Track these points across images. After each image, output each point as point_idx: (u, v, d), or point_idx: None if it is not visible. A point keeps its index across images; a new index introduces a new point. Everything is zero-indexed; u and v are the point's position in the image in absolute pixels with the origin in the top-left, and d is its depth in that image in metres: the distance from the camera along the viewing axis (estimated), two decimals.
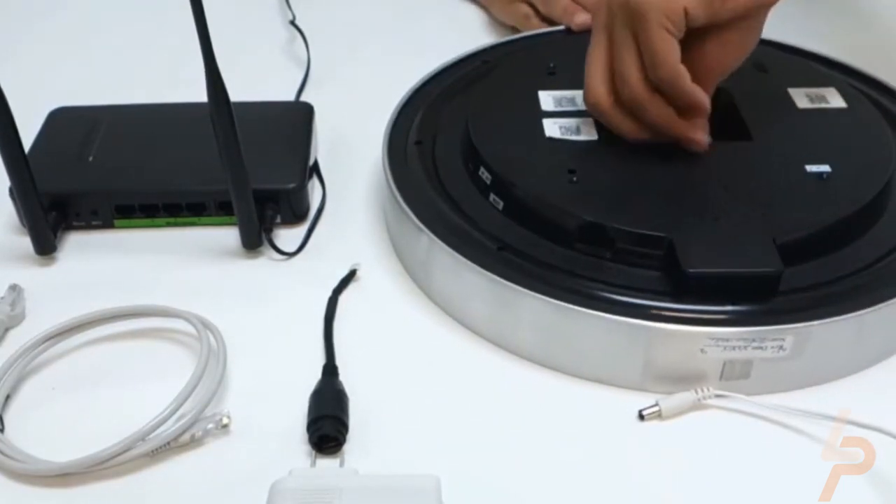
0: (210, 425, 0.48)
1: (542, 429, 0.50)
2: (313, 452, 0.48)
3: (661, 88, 0.55)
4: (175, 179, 0.62)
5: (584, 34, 0.73)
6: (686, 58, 0.54)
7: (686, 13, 0.53)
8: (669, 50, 0.53)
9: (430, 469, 0.44)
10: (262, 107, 0.68)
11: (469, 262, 0.53)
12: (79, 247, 0.61)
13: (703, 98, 0.56)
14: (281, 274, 0.59)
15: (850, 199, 0.54)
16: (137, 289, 0.57)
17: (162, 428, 0.47)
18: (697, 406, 0.50)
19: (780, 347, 0.49)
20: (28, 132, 0.62)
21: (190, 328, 0.52)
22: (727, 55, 0.56)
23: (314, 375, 0.51)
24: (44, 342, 0.53)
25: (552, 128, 0.60)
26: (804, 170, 0.56)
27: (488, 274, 0.52)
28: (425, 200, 0.57)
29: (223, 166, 0.56)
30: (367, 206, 0.64)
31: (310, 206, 0.64)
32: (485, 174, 0.57)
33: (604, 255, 0.53)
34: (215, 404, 0.49)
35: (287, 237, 0.62)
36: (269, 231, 0.60)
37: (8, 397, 0.50)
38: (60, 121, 0.67)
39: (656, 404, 0.50)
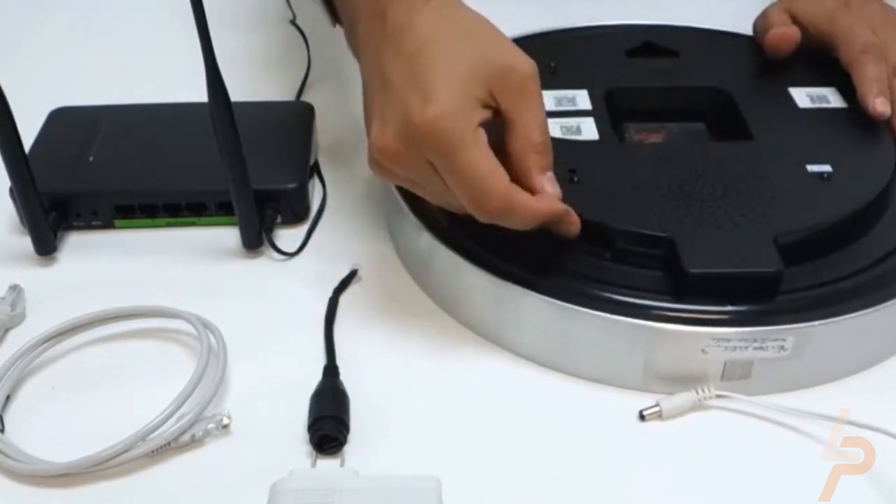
0: (210, 425, 0.48)
1: (543, 429, 0.49)
2: (314, 453, 0.48)
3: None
4: (175, 179, 0.62)
5: (585, 34, 0.73)
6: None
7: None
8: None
9: (430, 470, 0.44)
10: (262, 107, 0.68)
11: (469, 263, 0.53)
12: (79, 247, 0.61)
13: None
14: (281, 274, 0.59)
15: (852, 199, 0.54)
16: (137, 289, 0.57)
17: (162, 428, 0.47)
18: (698, 406, 0.50)
19: (781, 348, 0.49)
20: (28, 132, 0.62)
21: (190, 328, 0.52)
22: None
23: (315, 376, 0.51)
24: (44, 342, 0.53)
25: (553, 127, 0.59)
26: (805, 169, 0.56)
27: (488, 274, 0.52)
28: (425, 200, 0.57)
29: (223, 166, 0.56)
30: (367, 206, 0.64)
31: (310, 206, 0.64)
32: None
33: (604, 254, 0.53)
34: (215, 404, 0.49)
35: (287, 237, 0.62)
36: (269, 231, 0.60)
37: (8, 397, 0.50)
38: (60, 121, 0.67)
39: (657, 404, 0.49)
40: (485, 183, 0.47)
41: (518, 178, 0.49)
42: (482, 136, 0.48)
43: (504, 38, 0.50)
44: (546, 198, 0.49)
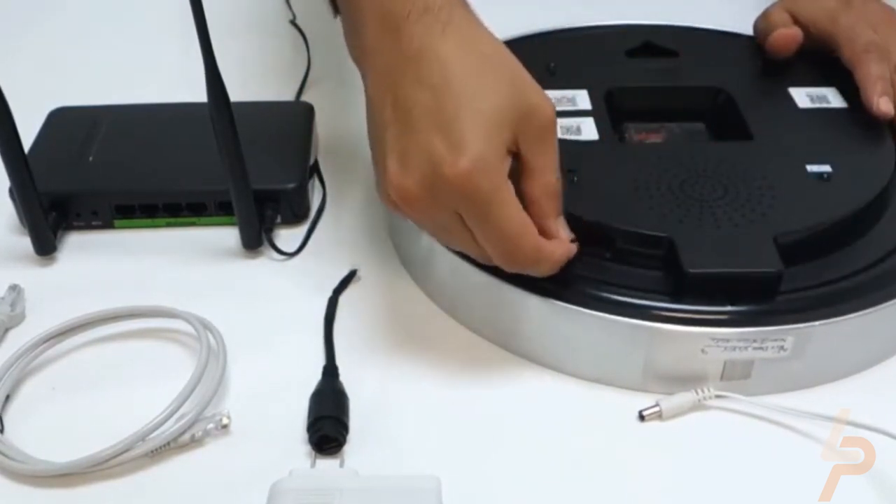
0: (210, 425, 0.48)
1: (543, 429, 0.49)
2: (313, 453, 0.48)
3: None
4: (175, 179, 0.62)
5: (585, 34, 0.73)
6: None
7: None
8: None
9: (430, 469, 0.44)
10: (262, 107, 0.68)
11: (469, 263, 0.52)
12: (79, 247, 0.61)
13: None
14: (281, 274, 0.59)
15: (851, 199, 0.54)
16: (137, 289, 0.57)
17: (162, 428, 0.47)
18: (698, 406, 0.50)
19: (781, 348, 0.49)
20: (28, 132, 0.62)
21: (190, 328, 0.52)
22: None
23: (314, 376, 0.51)
24: (44, 342, 0.53)
25: None
26: (805, 169, 0.56)
27: (488, 274, 0.52)
28: None
29: (223, 166, 0.56)
30: (367, 206, 0.64)
31: (310, 206, 0.64)
32: None
33: (604, 254, 0.53)
34: (215, 404, 0.49)
35: (287, 237, 0.62)
36: (269, 231, 0.60)
37: (8, 397, 0.50)
38: (60, 121, 0.67)
39: (657, 405, 0.49)
40: (519, 238, 0.47)
41: (534, 221, 0.48)
42: (512, 188, 0.46)
43: (524, 72, 0.48)
44: (563, 244, 0.49)
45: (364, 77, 0.51)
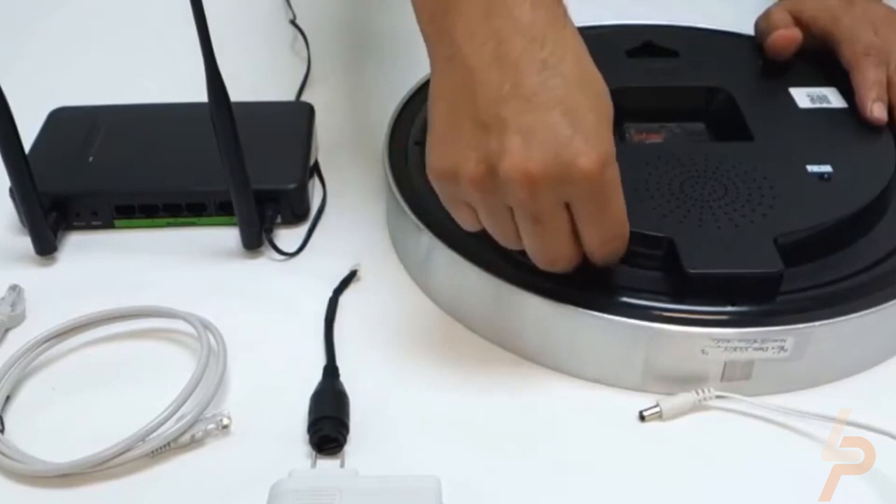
0: (210, 426, 0.48)
1: (543, 429, 0.49)
2: (314, 453, 0.48)
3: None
4: (175, 179, 0.62)
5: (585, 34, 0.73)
6: None
7: None
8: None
9: (430, 470, 0.44)
10: (262, 107, 0.68)
11: (469, 263, 0.53)
12: (79, 247, 0.61)
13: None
14: (281, 274, 0.59)
15: (852, 200, 0.54)
16: (137, 289, 0.57)
17: (162, 428, 0.47)
18: (698, 407, 0.50)
19: (781, 348, 0.49)
20: (28, 132, 0.62)
21: (190, 328, 0.52)
22: None
23: (315, 376, 0.51)
24: (44, 342, 0.53)
25: None
26: (805, 170, 0.56)
27: (488, 274, 0.52)
28: (425, 200, 0.57)
29: (223, 166, 0.56)
30: (367, 206, 0.64)
31: (310, 206, 0.64)
32: None
33: None
34: (215, 405, 0.49)
35: (287, 237, 0.62)
36: (269, 231, 0.60)
37: (8, 398, 0.50)
38: (60, 121, 0.67)
39: (657, 405, 0.49)
40: (624, 228, 0.48)
41: None
42: None
43: None
44: None
45: (443, 33, 0.48)
